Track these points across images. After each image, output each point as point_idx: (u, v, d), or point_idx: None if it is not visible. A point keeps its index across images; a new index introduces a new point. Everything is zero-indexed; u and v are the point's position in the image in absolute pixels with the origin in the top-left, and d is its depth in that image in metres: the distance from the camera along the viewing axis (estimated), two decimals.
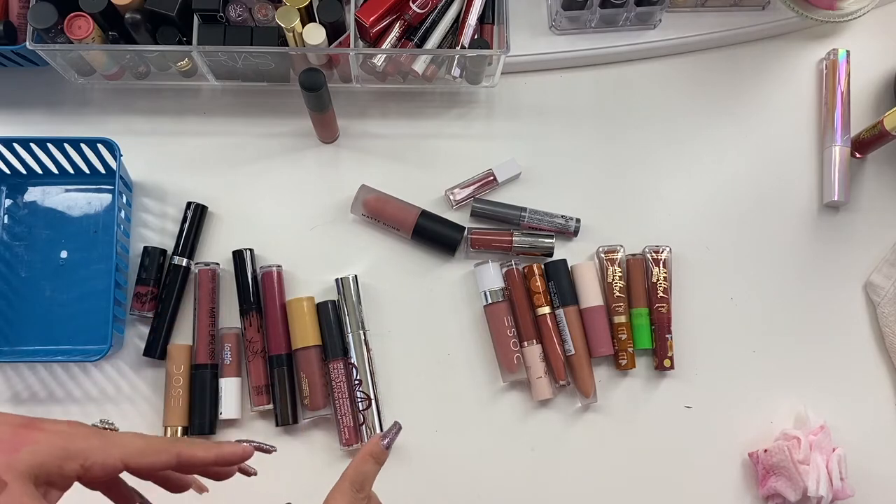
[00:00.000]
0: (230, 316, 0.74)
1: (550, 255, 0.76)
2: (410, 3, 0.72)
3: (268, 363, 0.72)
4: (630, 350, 0.74)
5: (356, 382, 0.71)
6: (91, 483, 0.45)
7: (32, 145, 0.71)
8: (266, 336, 0.72)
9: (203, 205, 0.75)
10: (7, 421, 0.43)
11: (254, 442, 0.50)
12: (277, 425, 0.71)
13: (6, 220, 0.76)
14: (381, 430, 0.71)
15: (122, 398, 0.73)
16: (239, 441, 0.49)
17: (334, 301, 0.73)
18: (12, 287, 0.74)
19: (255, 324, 0.72)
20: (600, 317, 0.74)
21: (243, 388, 0.72)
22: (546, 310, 0.74)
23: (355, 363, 0.71)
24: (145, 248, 0.74)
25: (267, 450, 0.52)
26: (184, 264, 0.74)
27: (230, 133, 0.79)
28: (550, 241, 0.75)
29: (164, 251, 0.74)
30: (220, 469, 0.50)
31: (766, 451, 0.71)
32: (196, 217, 0.74)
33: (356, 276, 0.73)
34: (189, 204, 0.75)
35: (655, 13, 0.78)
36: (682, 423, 0.74)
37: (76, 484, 0.45)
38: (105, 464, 0.43)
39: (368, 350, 0.72)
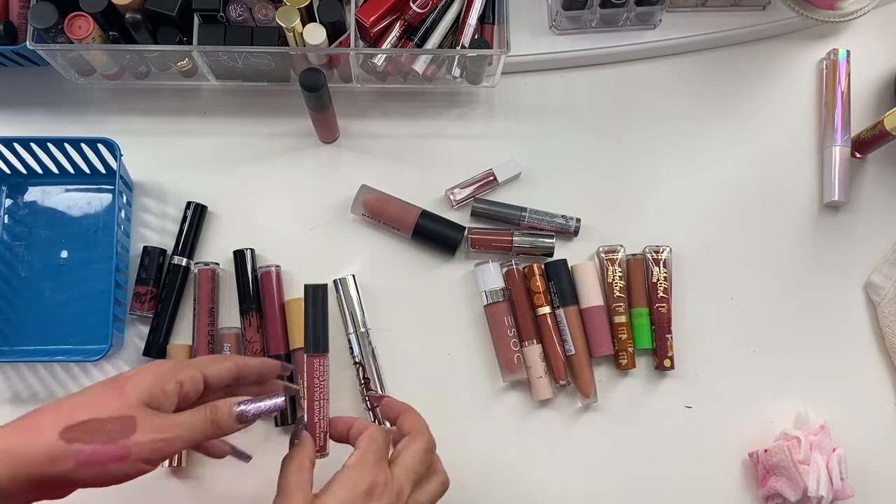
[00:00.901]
0: (230, 316, 0.74)
1: (550, 255, 0.76)
2: (410, 3, 0.72)
3: None
4: (630, 350, 0.74)
5: (363, 382, 0.71)
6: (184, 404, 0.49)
7: (32, 145, 0.71)
8: (265, 336, 0.72)
9: (202, 204, 0.75)
10: (94, 386, 0.47)
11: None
12: (277, 425, 0.71)
13: (6, 220, 0.76)
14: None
15: None
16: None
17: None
18: (12, 287, 0.74)
19: (254, 324, 0.72)
20: (600, 317, 0.74)
21: None
22: (546, 310, 0.74)
23: (362, 363, 0.71)
24: (145, 247, 0.74)
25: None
26: (183, 264, 0.74)
27: (230, 133, 0.79)
28: (550, 241, 0.75)
29: (163, 251, 0.74)
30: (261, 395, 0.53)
31: (766, 451, 0.71)
32: (196, 217, 0.74)
33: (353, 275, 0.73)
34: (189, 203, 0.75)
35: (655, 13, 0.78)
36: (682, 423, 0.74)
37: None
38: (193, 377, 0.49)
39: (372, 349, 0.72)
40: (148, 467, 0.45)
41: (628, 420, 0.74)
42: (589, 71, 0.81)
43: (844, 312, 0.77)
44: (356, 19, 0.71)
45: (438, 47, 0.75)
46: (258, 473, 0.72)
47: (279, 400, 0.51)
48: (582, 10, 0.77)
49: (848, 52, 0.81)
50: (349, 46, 0.71)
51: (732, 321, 0.76)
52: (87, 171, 0.76)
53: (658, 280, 0.74)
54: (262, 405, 0.50)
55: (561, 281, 0.74)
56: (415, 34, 0.74)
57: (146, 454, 0.44)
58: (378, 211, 0.75)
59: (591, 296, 0.74)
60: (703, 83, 0.82)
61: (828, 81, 0.81)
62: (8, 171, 0.75)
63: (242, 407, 0.49)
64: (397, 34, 0.74)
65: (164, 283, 0.73)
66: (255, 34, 0.71)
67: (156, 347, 0.72)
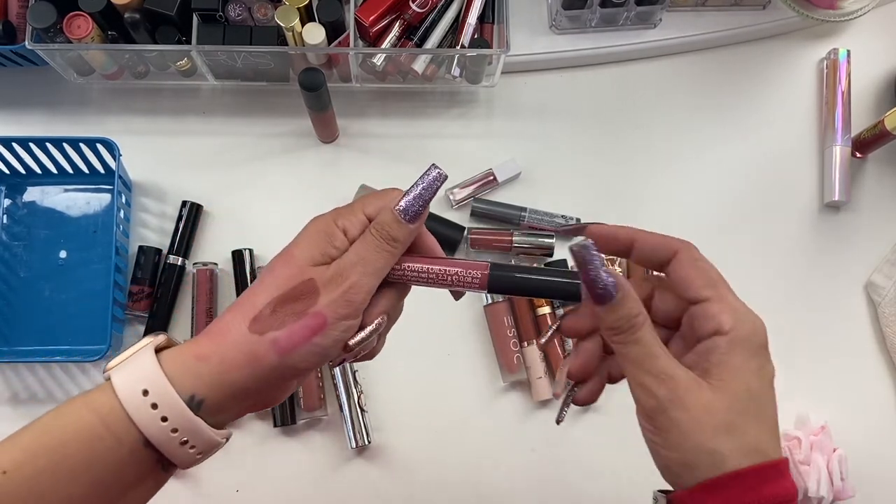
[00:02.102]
0: None
1: (550, 254, 0.75)
2: (410, 3, 0.72)
3: None
4: None
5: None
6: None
7: (31, 145, 0.71)
8: None
9: (198, 203, 0.75)
10: (264, 267, 0.43)
11: None
12: (275, 426, 0.71)
13: (5, 220, 0.76)
14: (353, 436, 0.70)
15: None
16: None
17: None
18: (11, 287, 0.74)
19: None
20: None
21: None
22: (546, 310, 0.74)
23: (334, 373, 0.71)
24: (140, 247, 0.74)
25: None
26: (179, 263, 0.73)
27: (230, 133, 0.79)
28: (550, 240, 0.75)
29: (158, 250, 0.74)
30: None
31: None
32: (191, 216, 0.74)
33: None
34: (184, 202, 0.74)
35: (656, 12, 0.78)
36: None
37: None
38: (354, 221, 0.44)
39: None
40: (353, 323, 0.39)
41: (628, 420, 0.74)
42: (589, 70, 0.81)
43: (844, 312, 0.77)
44: (355, 19, 0.71)
45: (438, 47, 0.74)
46: (258, 473, 0.72)
47: (434, 172, 0.42)
48: (582, 10, 0.77)
49: (848, 51, 0.80)
50: (348, 46, 0.71)
51: None
52: (86, 171, 0.75)
53: None
54: (419, 188, 0.42)
55: None
56: (414, 34, 0.74)
57: (342, 311, 0.39)
58: None
59: None
60: (703, 83, 0.82)
61: (828, 81, 0.81)
62: (7, 171, 0.75)
63: (402, 203, 0.42)
64: (397, 34, 0.74)
65: (160, 282, 0.73)
66: (254, 34, 0.71)
67: None
